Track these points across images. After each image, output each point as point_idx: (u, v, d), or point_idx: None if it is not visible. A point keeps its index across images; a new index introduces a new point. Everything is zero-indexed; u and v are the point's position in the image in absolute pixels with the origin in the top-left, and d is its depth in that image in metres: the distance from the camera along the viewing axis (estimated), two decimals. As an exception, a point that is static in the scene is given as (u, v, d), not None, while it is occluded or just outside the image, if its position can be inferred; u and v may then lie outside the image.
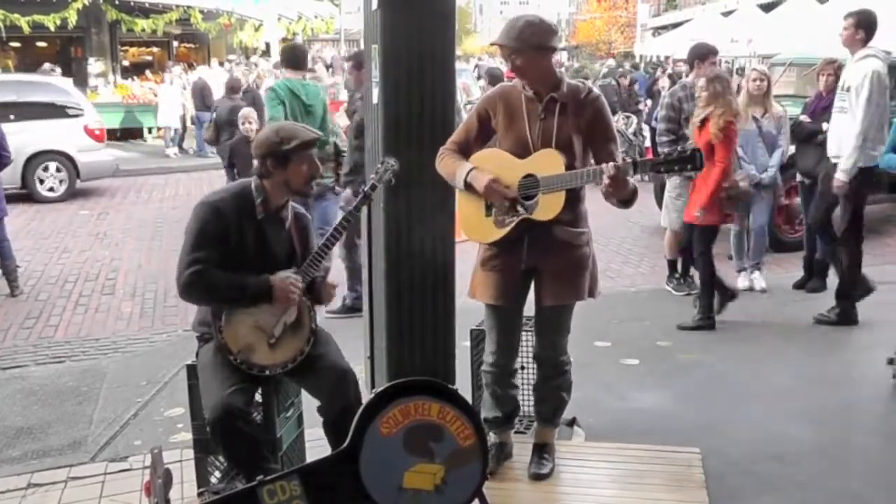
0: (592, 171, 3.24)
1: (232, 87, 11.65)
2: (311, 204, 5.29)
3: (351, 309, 6.34)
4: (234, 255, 3.25)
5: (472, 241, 3.62)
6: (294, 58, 6.80)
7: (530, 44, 3.30)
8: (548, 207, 3.32)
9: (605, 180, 3.14)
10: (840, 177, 5.83)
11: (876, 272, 7.58)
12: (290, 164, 3.30)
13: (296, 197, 3.47)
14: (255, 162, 3.44)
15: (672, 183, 6.94)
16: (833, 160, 5.96)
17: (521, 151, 3.39)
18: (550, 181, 3.28)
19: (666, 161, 3.12)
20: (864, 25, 5.81)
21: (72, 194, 12.43)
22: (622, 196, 3.24)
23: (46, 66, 17.32)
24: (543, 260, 3.45)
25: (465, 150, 3.49)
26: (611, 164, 3.15)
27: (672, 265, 7.11)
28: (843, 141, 5.86)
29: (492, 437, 3.79)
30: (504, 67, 19.18)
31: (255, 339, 3.26)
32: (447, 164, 3.46)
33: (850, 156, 5.76)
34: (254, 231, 3.31)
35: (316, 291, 3.45)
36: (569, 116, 3.38)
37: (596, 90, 3.52)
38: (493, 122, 3.49)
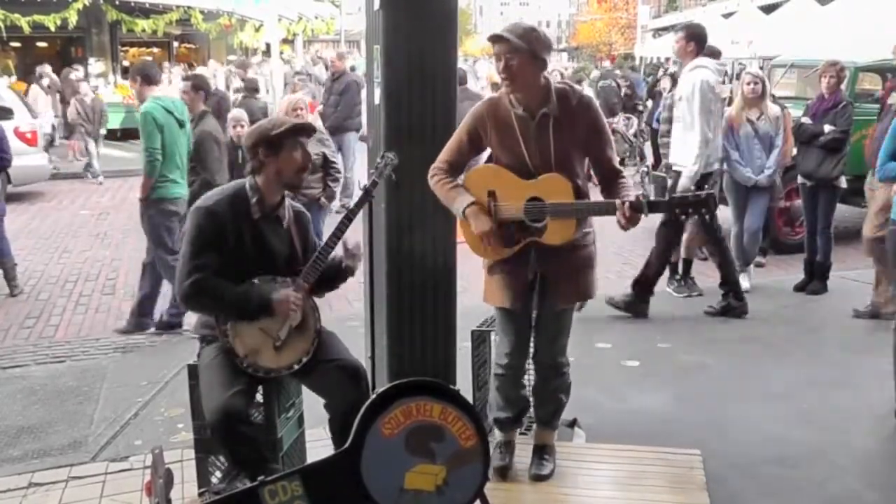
0: (606, 205, 3.24)
1: (254, 88, 11.76)
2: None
3: (168, 325, 6.36)
4: (233, 257, 3.25)
5: (480, 257, 3.60)
6: (153, 74, 6.54)
7: (531, 48, 3.24)
8: (559, 232, 3.31)
9: (619, 216, 3.15)
10: (684, 182, 6.04)
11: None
12: (282, 150, 3.28)
13: (289, 192, 3.45)
14: (248, 159, 3.39)
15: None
16: (675, 168, 6.23)
17: (520, 171, 3.36)
18: (560, 209, 3.27)
19: (680, 203, 3.14)
20: (695, 38, 6.15)
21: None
22: (633, 225, 3.21)
23: (47, 67, 17.29)
24: (552, 265, 3.45)
25: (457, 170, 3.48)
26: (627, 202, 3.13)
27: (673, 267, 7.11)
28: (681, 150, 6.21)
29: (498, 436, 3.79)
30: (477, 68, 19.21)
31: (261, 343, 3.26)
32: (443, 190, 3.43)
33: (694, 162, 6.01)
34: (251, 231, 3.30)
35: (343, 272, 3.49)
36: (564, 131, 3.33)
37: (586, 94, 3.49)
38: (485, 140, 3.44)
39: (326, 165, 6.66)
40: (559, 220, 3.30)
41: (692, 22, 6.40)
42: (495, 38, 3.29)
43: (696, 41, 6.13)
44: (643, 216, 3.15)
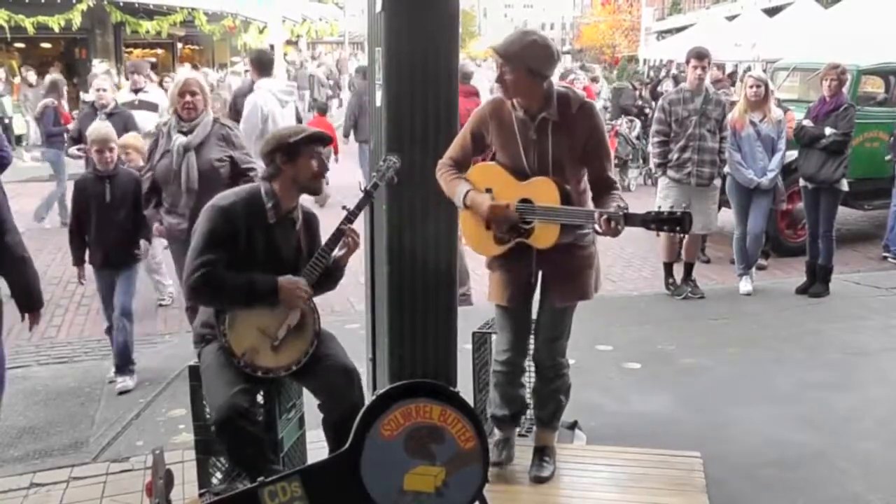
0: (586, 213, 3.27)
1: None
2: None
3: None
4: (242, 258, 3.26)
5: (476, 252, 3.63)
6: None
7: (526, 64, 3.25)
8: (544, 236, 3.34)
9: (596, 226, 3.16)
10: None
11: (882, 276, 7.62)
12: (299, 157, 3.30)
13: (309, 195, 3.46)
14: (265, 165, 3.39)
15: (661, 184, 6.97)
16: None
17: (518, 173, 3.40)
18: (546, 212, 3.29)
19: (655, 219, 3.14)
20: None
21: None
22: (613, 236, 3.22)
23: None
24: (552, 263, 3.47)
25: (462, 167, 3.52)
26: (604, 214, 3.14)
27: (668, 268, 7.12)
28: None
29: (496, 434, 3.80)
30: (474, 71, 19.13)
31: (259, 342, 3.27)
32: (446, 182, 3.48)
33: None
34: (264, 236, 3.32)
35: (340, 262, 3.48)
36: (562, 136, 3.35)
37: (589, 101, 3.49)
38: (487, 140, 3.50)
39: (237, 174, 4.85)
40: (545, 224, 3.32)
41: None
42: (493, 49, 3.38)
43: None
44: (621, 228, 3.15)
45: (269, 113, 6.77)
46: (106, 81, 7.72)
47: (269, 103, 6.83)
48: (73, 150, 7.46)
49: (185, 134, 4.80)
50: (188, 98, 4.79)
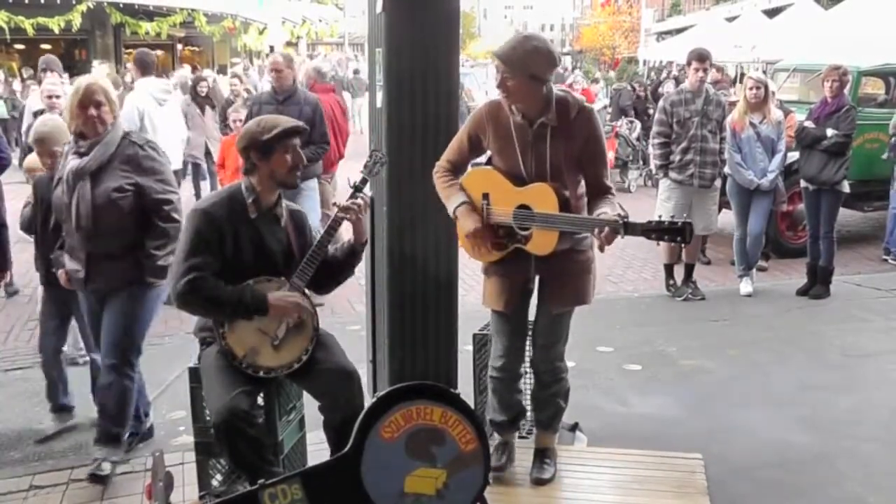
0: (586, 222, 3.25)
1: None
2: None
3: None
4: (231, 259, 3.26)
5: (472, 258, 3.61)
6: None
7: (528, 71, 3.22)
8: (541, 242, 3.32)
9: (596, 235, 3.14)
10: None
11: (883, 278, 7.61)
12: (273, 154, 3.28)
13: (285, 190, 3.45)
14: (243, 160, 3.37)
15: (663, 185, 6.97)
16: None
17: (515, 178, 3.37)
18: (545, 219, 3.27)
19: (656, 229, 3.12)
20: None
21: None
22: (608, 246, 3.20)
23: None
24: (549, 268, 3.44)
25: (459, 169, 3.51)
26: (604, 224, 3.12)
27: (668, 269, 7.12)
28: None
29: (496, 437, 3.79)
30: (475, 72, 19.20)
31: (259, 342, 3.26)
32: (442, 187, 3.47)
33: None
34: (249, 232, 3.31)
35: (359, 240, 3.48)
36: (560, 141, 3.33)
37: (588, 105, 3.47)
38: (485, 144, 3.47)
39: (148, 209, 3.76)
40: (543, 231, 3.30)
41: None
42: (495, 55, 3.33)
43: None
44: (620, 237, 3.13)
45: (144, 112, 6.82)
46: (57, 86, 6.80)
47: (145, 103, 6.90)
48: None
49: (81, 155, 3.78)
50: (92, 111, 3.74)
